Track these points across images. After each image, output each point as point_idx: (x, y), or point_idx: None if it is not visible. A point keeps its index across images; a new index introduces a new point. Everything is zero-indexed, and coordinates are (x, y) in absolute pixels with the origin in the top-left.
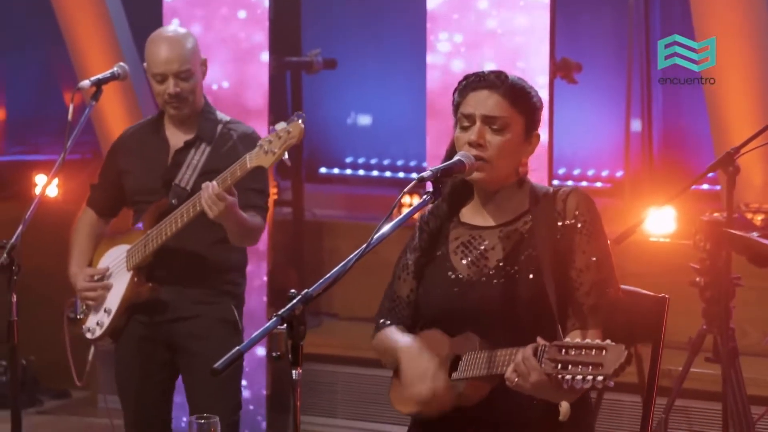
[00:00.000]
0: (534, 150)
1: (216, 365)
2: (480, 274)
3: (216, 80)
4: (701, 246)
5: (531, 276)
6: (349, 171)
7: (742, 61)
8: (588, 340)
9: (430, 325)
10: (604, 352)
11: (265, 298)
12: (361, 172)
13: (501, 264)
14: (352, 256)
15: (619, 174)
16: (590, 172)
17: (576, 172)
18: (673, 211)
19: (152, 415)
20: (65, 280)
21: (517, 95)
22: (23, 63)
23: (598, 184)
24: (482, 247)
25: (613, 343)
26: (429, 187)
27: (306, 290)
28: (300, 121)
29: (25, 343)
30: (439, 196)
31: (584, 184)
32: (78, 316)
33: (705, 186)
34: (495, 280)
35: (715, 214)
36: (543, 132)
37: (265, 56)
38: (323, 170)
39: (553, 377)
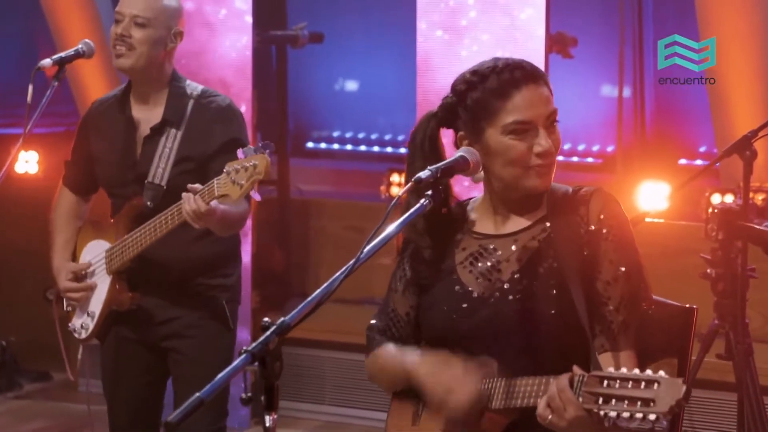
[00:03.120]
0: None
1: (171, 418)
2: (492, 289)
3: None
4: (713, 236)
5: (554, 291)
6: (336, 146)
7: (744, 57)
8: (636, 371)
9: (434, 348)
10: (656, 385)
11: (249, 286)
12: (349, 146)
13: (517, 277)
14: (337, 274)
15: (610, 149)
16: (581, 147)
17: (566, 147)
18: (667, 187)
19: (141, 419)
20: (46, 259)
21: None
22: (1, 34)
23: (589, 160)
24: (494, 259)
25: (668, 376)
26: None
27: (282, 318)
28: (267, 153)
29: (5, 323)
30: (439, 200)
31: (575, 159)
32: (66, 309)
33: (699, 161)
34: (510, 296)
35: (727, 200)
36: None
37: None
38: (310, 145)
39: (594, 414)
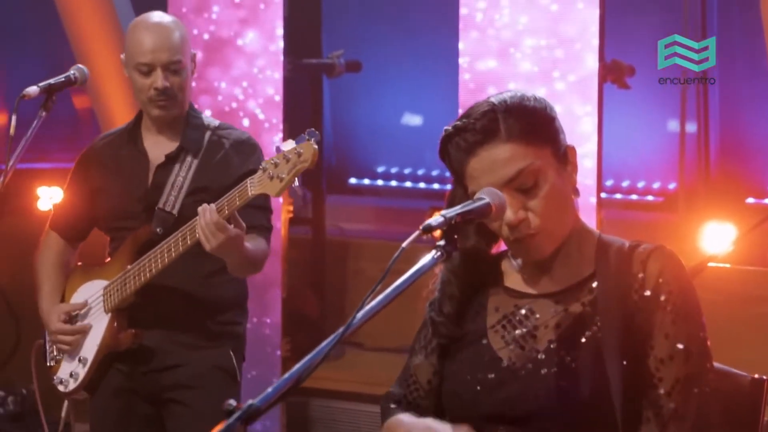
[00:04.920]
0: (576, 167)
1: None
2: (526, 359)
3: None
4: None
5: (593, 366)
6: (380, 182)
7: None
8: None
9: (457, 422)
10: None
11: (279, 333)
12: (393, 182)
13: (553, 347)
14: (324, 343)
15: (672, 186)
16: (640, 184)
17: (625, 184)
18: (733, 228)
19: None
20: None
21: (526, 123)
22: (27, 64)
23: (649, 198)
24: (531, 324)
25: None
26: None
27: (251, 402)
28: (313, 141)
29: (26, 371)
30: (455, 251)
31: (634, 197)
32: (49, 363)
33: None
34: (544, 369)
35: None
36: (591, 142)
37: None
38: (353, 181)
39: None
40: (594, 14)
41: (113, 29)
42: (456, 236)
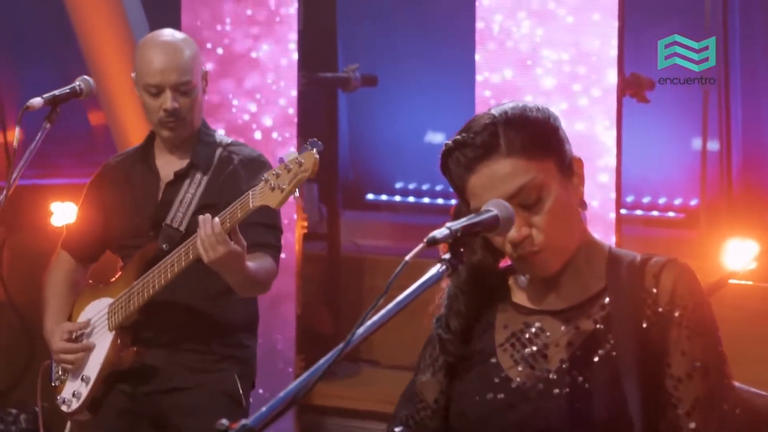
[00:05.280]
0: (583, 179)
1: None
2: (536, 379)
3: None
4: None
5: (610, 388)
6: (398, 197)
7: None
8: None
9: None
10: None
11: (293, 350)
12: (411, 198)
13: (565, 367)
14: (320, 362)
15: (693, 202)
16: (661, 201)
17: (646, 200)
18: (756, 245)
19: None
20: None
21: (527, 136)
22: (42, 78)
23: (670, 214)
24: (541, 342)
25: None
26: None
27: (244, 422)
28: (314, 150)
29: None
30: (461, 264)
31: (655, 213)
32: (53, 383)
33: None
34: (556, 390)
35: None
36: (610, 156)
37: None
38: (370, 196)
39: None
40: (613, 26)
41: (128, 45)
42: (462, 249)
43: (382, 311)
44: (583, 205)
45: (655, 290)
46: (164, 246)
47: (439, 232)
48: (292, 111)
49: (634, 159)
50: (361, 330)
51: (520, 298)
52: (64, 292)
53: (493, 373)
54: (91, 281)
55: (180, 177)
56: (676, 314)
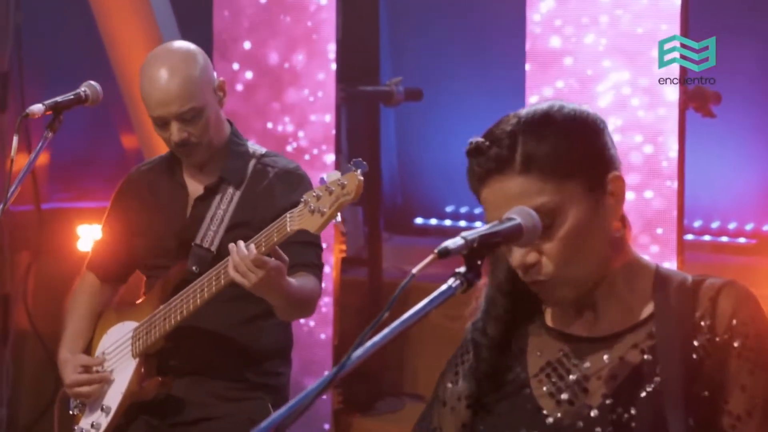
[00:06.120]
0: (622, 199)
1: None
2: (575, 416)
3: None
4: None
5: (656, 425)
6: (448, 222)
7: None
8: None
9: None
10: None
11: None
12: (463, 222)
13: (609, 403)
14: (314, 385)
15: (766, 228)
16: (731, 226)
17: (714, 225)
18: None
19: None
20: None
21: (550, 150)
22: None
23: (741, 240)
24: (580, 373)
25: None
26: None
27: None
28: (359, 171)
29: (67, 420)
30: (477, 280)
31: (724, 239)
32: (72, 411)
33: None
34: (598, 428)
35: None
36: (670, 179)
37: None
38: (419, 221)
39: None
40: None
41: None
42: (480, 262)
43: (384, 331)
44: (625, 223)
45: (711, 317)
46: (194, 268)
47: (453, 242)
48: (329, 119)
49: (702, 181)
50: (357, 352)
51: (554, 321)
52: (85, 315)
53: (527, 406)
54: (115, 305)
55: (210, 191)
56: (736, 344)
